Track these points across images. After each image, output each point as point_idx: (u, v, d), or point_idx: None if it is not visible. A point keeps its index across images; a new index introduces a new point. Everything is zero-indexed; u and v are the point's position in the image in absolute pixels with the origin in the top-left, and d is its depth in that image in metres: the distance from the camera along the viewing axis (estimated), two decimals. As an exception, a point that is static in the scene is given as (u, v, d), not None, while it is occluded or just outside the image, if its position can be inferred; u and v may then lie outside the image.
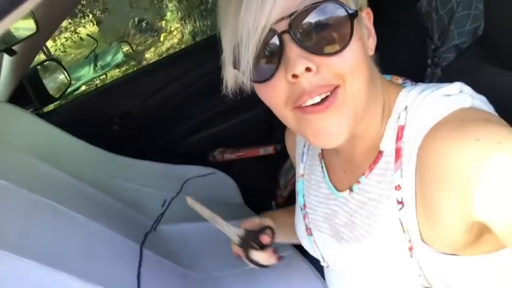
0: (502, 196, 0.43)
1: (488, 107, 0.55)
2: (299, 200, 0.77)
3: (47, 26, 1.10)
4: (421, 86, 0.57)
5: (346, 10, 0.48)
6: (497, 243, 0.50)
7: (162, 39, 6.40)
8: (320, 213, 0.71)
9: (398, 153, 0.55)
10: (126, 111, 1.71)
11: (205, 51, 1.75)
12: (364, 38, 0.53)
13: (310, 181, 0.74)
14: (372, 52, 0.55)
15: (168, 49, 6.11)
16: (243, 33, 0.48)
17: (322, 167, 0.71)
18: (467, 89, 0.55)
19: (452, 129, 0.48)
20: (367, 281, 0.67)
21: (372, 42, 0.56)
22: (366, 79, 0.51)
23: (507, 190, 0.43)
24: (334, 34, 0.48)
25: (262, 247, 0.77)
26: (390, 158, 0.56)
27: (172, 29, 6.57)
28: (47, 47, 6.55)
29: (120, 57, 5.32)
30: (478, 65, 0.91)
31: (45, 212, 0.77)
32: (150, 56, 6.26)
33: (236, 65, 0.52)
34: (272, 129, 1.92)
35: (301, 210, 0.76)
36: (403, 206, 0.54)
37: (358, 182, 0.61)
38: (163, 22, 6.50)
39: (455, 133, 0.47)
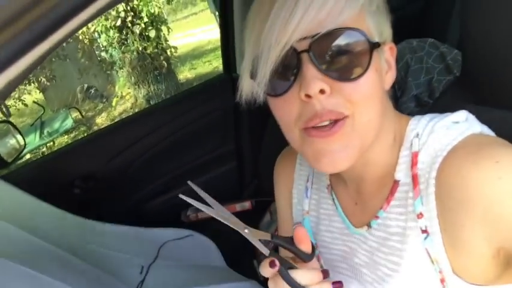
0: None
1: (493, 134, 0.55)
2: None
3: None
4: (429, 115, 0.58)
5: (368, 40, 0.48)
6: None
7: (113, 103, 6.30)
8: (336, 252, 0.65)
9: (415, 180, 0.53)
10: (88, 173, 1.58)
11: (172, 109, 1.71)
12: (382, 71, 0.54)
13: (318, 217, 0.69)
14: (388, 87, 0.56)
15: (120, 113, 6.02)
16: (265, 47, 0.49)
17: (333, 199, 0.66)
18: (472, 117, 0.56)
19: (470, 152, 0.48)
20: None
21: (390, 77, 0.56)
22: (377, 111, 0.52)
23: None
24: (352, 61, 0.49)
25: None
26: (407, 187, 0.55)
27: (123, 94, 6.53)
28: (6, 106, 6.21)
29: (69, 123, 5.17)
30: (460, 104, 0.94)
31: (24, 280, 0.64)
32: (102, 121, 6.12)
33: (253, 76, 0.53)
34: (244, 184, 1.87)
35: None
36: (428, 234, 0.52)
37: (377, 217, 0.58)
38: (116, 87, 6.44)
39: (474, 155, 0.48)
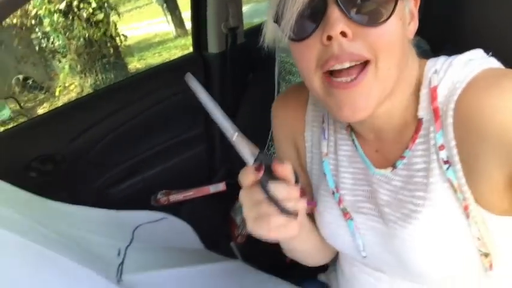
0: None
1: None
2: (329, 183, 0.68)
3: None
4: (445, 56, 0.59)
5: None
6: None
7: (57, 93, 5.90)
8: (360, 192, 0.65)
9: (436, 113, 0.54)
10: (46, 155, 1.43)
11: (138, 87, 1.61)
12: (406, 20, 0.54)
13: (336, 159, 0.68)
14: (411, 36, 0.56)
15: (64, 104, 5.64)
16: None
17: (353, 140, 0.66)
18: (486, 55, 0.57)
19: (488, 83, 0.50)
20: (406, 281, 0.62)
21: (413, 26, 0.57)
22: (398, 59, 0.52)
23: None
24: (377, 7, 0.49)
25: None
26: (429, 123, 0.56)
27: (67, 84, 6.14)
28: None
29: (6, 114, 4.72)
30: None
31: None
32: (44, 111, 5.70)
33: (278, 20, 0.52)
34: (214, 169, 1.81)
35: (333, 194, 0.67)
36: (449, 165, 0.53)
37: (402, 157, 0.59)
38: (60, 76, 6.04)
39: (492, 86, 0.49)
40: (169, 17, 7.98)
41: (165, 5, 7.80)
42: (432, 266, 0.57)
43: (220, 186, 1.54)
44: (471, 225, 0.53)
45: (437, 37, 1.03)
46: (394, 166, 0.60)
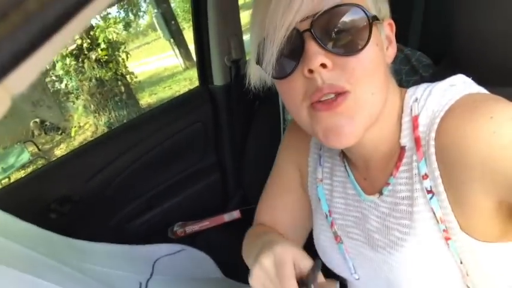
0: None
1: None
2: (323, 207, 0.71)
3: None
4: (426, 83, 0.60)
5: (367, 14, 0.50)
6: None
7: (72, 134, 6.05)
8: (350, 218, 0.67)
9: (418, 142, 0.55)
10: (64, 196, 1.48)
11: (148, 124, 1.66)
12: (383, 45, 0.55)
13: (332, 184, 0.70)
14: (390, 60, 0.57)
15: (80, 143, 5.77)
16: (270, 29, 0.50)
17: (345, 166, 0.67)
18: (469, 80, 0.58)
19: (466, 110, 0.50)
20: None
21: (391, 51, 0.58)
22: (380, 84, 0.53)
23: None
24: (352, 36, 0.50)
25: None
26: (412, 151, 0.56)
27: (82, 123, 6.30)
28: None
29: (25, 157, 4.90)
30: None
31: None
32: (61, 152, 5.84)
33: (260, 60, 0.54)
34: (229, 196, 1.83)
35: (327, 217, 0.70)
36: (433, 195, 0.53)
37: (387, 184, 0.60)
38: (75, 117, 6.20)
39: (469, 113, 0.49)
40: (177, 51, 8.20)
41: (172, 40, 8.04)
42: None
43: (235, 214, 1.55)
44: (454, 256, 0.53)
45: (437, 51, 1.05)
46: (380, 193, 0.61)
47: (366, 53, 0.50)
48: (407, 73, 1.26)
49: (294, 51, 0.51)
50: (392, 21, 0.58)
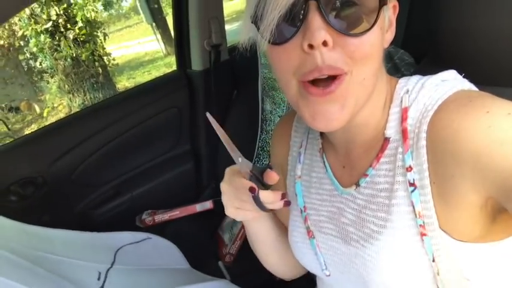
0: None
1: None
2: (298, 203, 0.71)
3: None
4: (418, 75, 0.59)
5: None
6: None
7: (45, 114, 5.85)
8: (323, 213, 0.67)
9: (405, 134, 0.54)
10: (27, 178, 1.40)
11: (122, 106, 1.59)
12: (384, 30, 0.53)
13: (310, 180, 0.69)
14: (387, 45, 0.55)
15: (53, 124, 5.59)
16: None
17: (324, 162, 0.67)
18: (460, 76, 0.57)
19: (461, 105, 0.49)
20: None
21: (389, 35, 0.56)
22: (374, 69, 0.51)
23: None
24: (359, 15, 0.48)
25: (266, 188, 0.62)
26: (397, 143, 0.55)
27: (55, 104, 6.10)
28: None
29: (-8, 135, 4.70)
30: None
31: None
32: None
33: (257, 22, 0.51)
34: (202, 186, 1.79)
35: (301, 213, 0.70)
36: (415, 188, 0.52)
37: (365, 175, 0.59)
38: (47, 97, 6.00)
39: (465, 107, 0.48)
40: (158, 36, 8.03)
41: (154, 24, 7.86)
42: None
43: (207, 205, 1.51)
44: (427, 254, 0.52)
45: (420, 50, 1.04)
46: (357, 184, 0.60)
47: (368, 36, 0.48)
48: (389, 71, 1.25)
49: (295, 18, 0.48)
50: (397, 3, 0.56)
